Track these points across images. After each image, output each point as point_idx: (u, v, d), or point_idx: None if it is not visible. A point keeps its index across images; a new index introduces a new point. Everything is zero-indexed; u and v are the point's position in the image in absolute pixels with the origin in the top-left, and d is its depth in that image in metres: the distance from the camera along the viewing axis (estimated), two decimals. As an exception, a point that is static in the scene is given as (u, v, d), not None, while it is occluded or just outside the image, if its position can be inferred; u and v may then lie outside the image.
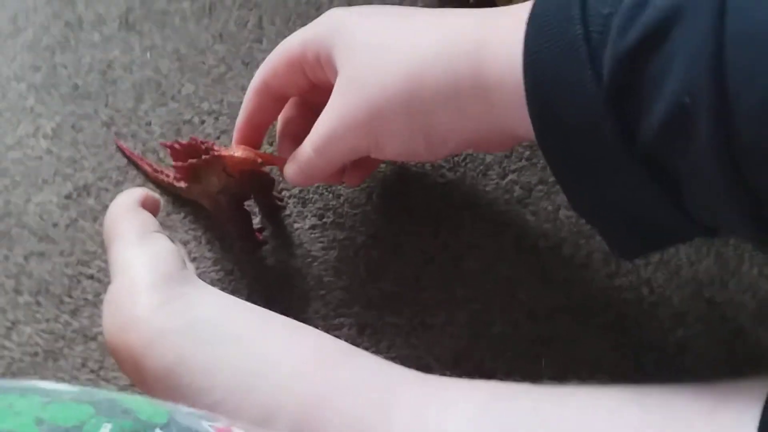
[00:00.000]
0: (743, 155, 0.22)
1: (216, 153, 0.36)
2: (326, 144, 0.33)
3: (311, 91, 0.36)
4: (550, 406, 0.28)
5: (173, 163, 0.39)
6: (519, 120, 0.28)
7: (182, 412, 0.21)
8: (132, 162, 0.44)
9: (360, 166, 0.37)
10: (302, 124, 0.37)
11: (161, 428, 0.19)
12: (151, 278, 0.31)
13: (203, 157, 0.36)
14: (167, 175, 0.41)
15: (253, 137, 0.37)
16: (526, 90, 0.27)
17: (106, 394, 0.22)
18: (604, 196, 0.27)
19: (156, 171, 0.42)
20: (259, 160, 0.35)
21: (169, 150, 0.39)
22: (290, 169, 0.35)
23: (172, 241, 0.35)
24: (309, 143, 0.34)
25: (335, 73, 0.33)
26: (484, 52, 0.29)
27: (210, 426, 0.21)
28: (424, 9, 0.33)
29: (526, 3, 0.28)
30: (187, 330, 0.30)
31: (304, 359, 0.31)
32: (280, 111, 0.38)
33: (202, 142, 0.36)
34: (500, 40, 0.28)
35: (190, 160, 0.37)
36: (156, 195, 0.37)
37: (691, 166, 0.24)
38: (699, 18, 0.22)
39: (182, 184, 0.40)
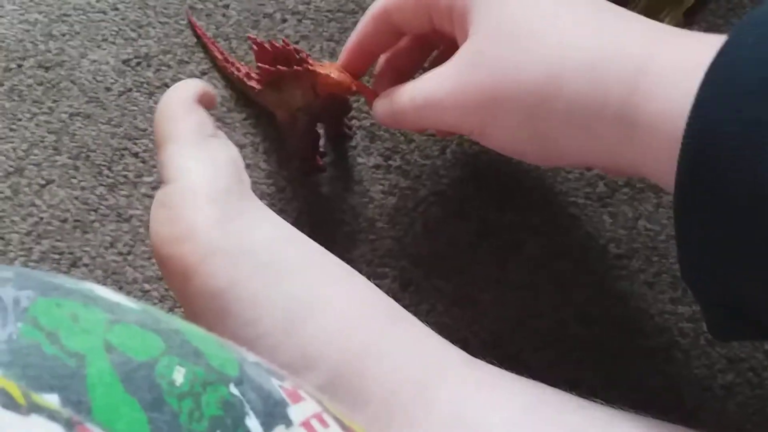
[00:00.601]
0: None
1: (310, 67, 0.33)
2: (428, 107, 0.30)
3: (433, 33, 0.32)
4: (596, 429, 0.27)
5: (257, 62, 0.36)
6: (659, 171, 0.24)
7: (250, 362, 0.20)
8: (201, 43, 0.41)
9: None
10: (410, 62, 0.34)
11: (235, 384, 0.18)
12: (210, 190, 0.29)
13: (295, 67, 0.33)
14: (238, 69, 0.39)
15: (359, 63, 0.34)
16: (681, 155, 0.23)
17: (170, 321, 0.20)
18: (733, 289, 0.24)
19: (227, 61, 0.39)
20: (354, 88, 0.32)
21: (255, 47, 0.35)
22: (381, 108, 0.32)
23: (229, 147, 0.32)
24: (410, 94, 0.30)
25: (465, 35, 0.29)
26: (643, 79, 0.24)
27: (280, 386, 0.19)
28: None
29: (702, 35, 0.24)
30: (243, 253, 0.28)
31: (354, 311, 0.29)
32: (396, 43, 0.34)
33: (298, 51, 0.33)
34: (667, 70, 0.24)
35: (278, 66, 0.34)
36: (213, 91, 0.33)
37: None
38: None
39: (255, 84, 0.37)
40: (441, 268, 0.36)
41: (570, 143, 0.27)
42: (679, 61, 0.24)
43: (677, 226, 0.24)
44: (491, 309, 0.36)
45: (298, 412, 0.18)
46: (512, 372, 0.29)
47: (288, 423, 0.18)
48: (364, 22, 0.33)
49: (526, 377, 0.29)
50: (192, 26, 0.41)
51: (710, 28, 0.40)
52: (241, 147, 0.39)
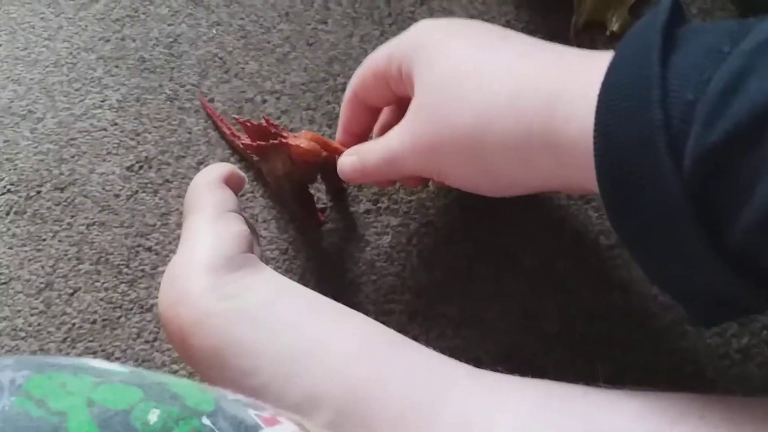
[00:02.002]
0: None
1: (284, 140, 0.36)
2: (394, 161, 0.33)
3: (398, 103, 0.35)
4: (603, 412, 0.27)
5: (243, 139, 0.39)
6: (591, 181, 0.26)
7: (229, 399, 0.21)
8: (212, 121, 0.44)
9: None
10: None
11: (208, 416, 0.20)
12: (210, 259, 0.32)
13: (271, 141, 0.36)
14: (245, 141, 0.42)
15: (354, 141, 0.38)
16: (597, 167, 0.25)
17: (155, 377, 0.22)
18: (684, 280, 0.25)
19: (234, 135, 0.43)
20: (324, 153, 0.36)
21: (241, 126, 0.39)
22: (350, 166, 0.35)
23: (246, 222, 0.35)
24: (379, 152, 0.34)
25: (414, 92, 0.32)
26: (558, 110, 0.27)
27: (256, 415, 0.21)
28: (513, 39, 0.31)
29: (607, 53, 0.26)
30: (237, 313, 0.30)
31: (353, 347, 0.30)
32: (376, 120, 0.38)
33: (273, 126, 0.37)
34: (575, 98, 0.26)
35: (258, 141, 0.37)
36: (241, 174, 0.37)
37: None
38: None
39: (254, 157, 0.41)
40: (443, 294, 0.38)
41: (513, 174, 0.30)
42: (588, 84, 0.26)
43: (620, 237, 0.26)
44: (498, 323, 0.36)
45: (270, 432, 0.20)
46: (530, 377, 0.30)
47: (258, 441, 0.19)
48: (343, 108, 0.37)
49: (542, 379, 0.30)
50: (203, 107, 0.45)
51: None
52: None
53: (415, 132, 0.32)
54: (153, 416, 0.19)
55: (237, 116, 0.42)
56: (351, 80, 0.36)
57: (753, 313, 0.27)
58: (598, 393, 0.28)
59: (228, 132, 0.43)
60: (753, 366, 0.33)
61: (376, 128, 0.38)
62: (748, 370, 0.33)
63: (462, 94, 0.30)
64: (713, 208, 0.22)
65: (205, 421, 0.19)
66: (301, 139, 0.36)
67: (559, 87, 0.27)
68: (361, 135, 0.38)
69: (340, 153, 0.37)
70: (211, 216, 0.34)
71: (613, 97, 0.24)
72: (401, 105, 0.35)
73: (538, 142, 0.28)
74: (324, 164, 0.40)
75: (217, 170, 0.36)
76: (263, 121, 0.38)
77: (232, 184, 0.36)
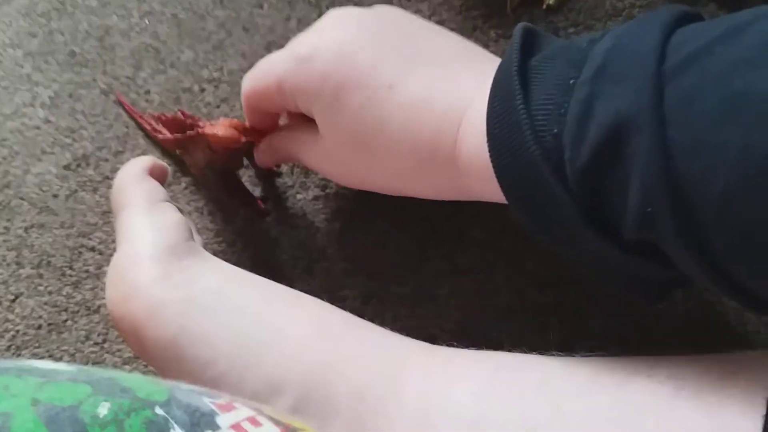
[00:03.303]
0: (713, 251, 0.23)
1: (200, 130, 0.35)
2: (304, 162, 0.35)
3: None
4: (557, 378, 0.27)
5: (161, 134, 0.38)
6: (495, 193, 0.28)
7: (183, 389, 0.21)
8: (133, 119, 0.43)
9: None
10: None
11: (161, 406, 0.19)
12: (154, 249, 0.31)
13: (188, 132, 0.36)
14: (165, 136, 0.41)
15: (262, 137, 0.38)
16: (501, 187, 0.27)
17: (104, 372, 0.21)
18: (604, 270, 0.28)
19: (155, 130, 0.41)
20: (243, 139, 0.35)
21: (156, 120, 0.38)
22: (263, 158, 0.37)
23: (181, 211, 0.34)
24: (287, 151, 0.36)
25: (318, 126, 0.33)
26: (459, 133, 0.29)
27: (211, 402, 0.20)
28: (422, 49, 0.31)
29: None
30: (188, 302, 0.30)
31: (309, 330, 0.30)
32: (278, 119, 0.38)
33: (187, 117, 0.36)
34: (471, 126, 0.28)
35: (175, 135, 0.36)
36: (163, 163, 0.36)
37: (671, 251, 0.24)
38: (643, 133, 0.22)
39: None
40: (396, 275, 0.37)
41: (427, 190, 0.33)
42: (481, 112, 0.28)
43: (534, 238, 0.28)
44: (451, 299, 0.37)
45: (227, 418, 0.19)
46: (485, 350, 0.30)
47: (215, 428, 0.19)
48: (244, 111, 0.37)
49: (497, 350, 0.30)
50: (122, 104, 0.44)
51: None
52: (187, 214, 0.41)
53: (326, 171, 0.35)
54: (103, 409, 0.18)
55: (152, 111, 0.42)
56: (242, 87, 0.36)
57: (682, 286, 0.29)
58: (552, 360, 0.28)
59: (149, 128, 0.42)
60: (698, 326, 0.34)
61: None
62: (694, 330, 0.34)
63: (370, 150, 0.31)
64: (605, 222, 0.25)
65: (158, 410, 0.19)
66: (219, 127, 0.36)
67: (458, 113, 0.29)
68: (268, 131, 0.38)
69: (263, 136, 0.36)
70: (144, 208, 0.33)
71: (496, 134, 0.27)
72: None
73: (442, 161, 0.30)
74: (248, 149, 0.39)
75: (140, 163, 0.35)
76: (178, 113, 0.37)
77: (156, 175, 0.35)
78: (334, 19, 0.33)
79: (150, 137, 0.43)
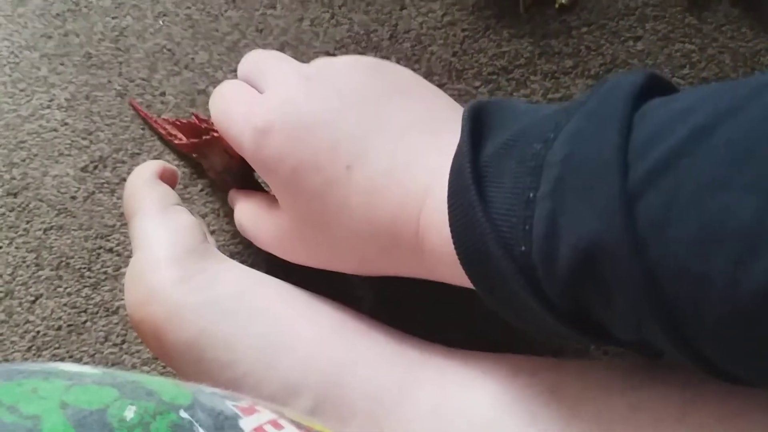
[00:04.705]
0: (709, 357, 0.22)
1: (215, 134, 0.35)
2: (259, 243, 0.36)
3: None
4: (572, 381, 0.28)
5: (176, 139, 0.38)
6: (454, 276, 0.27)
7: (205, 392, 0.21)
8: (147, 124, 0.44)
9: None
10: None
11: (185, 409, 0.19)
12: (171, 252, 0.31)
13: (203, 137, 0.36)
14: (181, 140, 0.41)
15: None
16: (472, 282, 0.26)
17: (128, 376, 0.22)
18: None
19: (170, 134, 0.42)
20: None
21: (172, 125, 0.38)
22: (241, 227, 0.37)
23: (192, 214, 0.35)
24: (246, 225, 0.36)
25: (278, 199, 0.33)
26: (424, 211, 0.28)
27: (234, 406, 0.21)
28: (391, 115, 0.30)
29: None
30: (208, 304, 0.30)
31: (326, 332, 0.31)
32: None
33: (202, 121, 0.36)
34: (435, 213, 0.27)
35: (190, 140, 0.37)
36: (173, 167, 0.37)
37: (664, 349, 0.23)
38: (621, 260, 0.21)
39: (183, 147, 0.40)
40: (411, 279, 0.38)
41: (391, 271, 0.31)
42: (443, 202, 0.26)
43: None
44: (465, 303, 0.36)
45: (250, 421, 0.20)
46: (500, 351, 0.30)
47: (238, 431, 0.19)
48: None
49: (512, 353, 0.30)
50: (136, 110, 0.44)
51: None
52: (203, 216, 0.41)
53: (285, 251, 0.34)
54: (129, 413, 0.19)
55: (167, 116, 0.42)
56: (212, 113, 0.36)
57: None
58: (566, 364, 0.29)
59: (164, 132, 0.42)
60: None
61: None
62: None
63: (331, 232, 0.30)
64: (591, 328, 0.24)
65: (183, 414, 0.19)
66: None
67: (418, 202, 0.28)
68: None
69: None
70: (157, 212, 0.33)
71: (461, 242, 0.25)
72: None
73: (406, 246, 0.29)
74: None
75: (150, 167, 0.36)
76: (193, 117, 0.38)
77: (167, 178, 0.36)
78: (298, 75, 0.31)
79: (164, 141, 0.43)
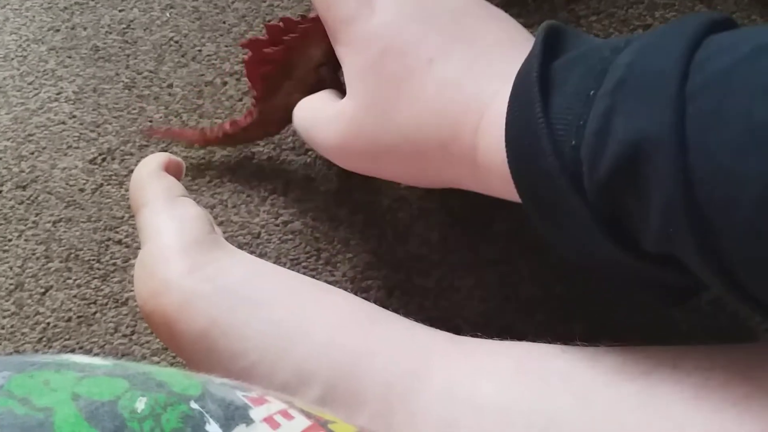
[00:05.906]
0: (735, 271, 0.22)
1: (303, 26, 0.34)
2: (321, 149, 0.35)
3: None
4: (581, 368, 0.28)
5: (267, 49, 0.36)
6: (504, 190, 0.28)
7: (215, 382, 0.21)
8: (172, 138, 0.43)
9: None
10: None
11: (195, 400, 0.19)
12: (180, 243, 0.32)
13: (299, 26, 0.35)
14: (218, 132, 0.40)
15: None
16: (518, 191, 0.27)
17: (139, 367, 0.22)
18: (619, 276, 0.28)
19: (206, 136, 0.41)
20: None
21: (267, 30, 0.36)
22: (298, 127, 0.36)
23: (198, 205, 0.35)
24: (303, 126, 0.35)
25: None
26: (479, 129, 0.29)
27: (244, 396, 0.21)
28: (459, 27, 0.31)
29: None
30: (218, 294, 0.30)
31: (336, 322, 0.31)
32: None
33: (287, 22, 0.35)
34: (491, 124, 0.28)
35: (289, 35, 0.35)
36: (179, 159, 0.37)
37: (691, 264, 0.24)
38: (664, 156, 0.22)
39: (245, 120, 0.39)
40: (419, 267, 0.38)
41: (442, 177, 0.32)
42: (501, 114, 0.27)
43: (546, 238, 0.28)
44: (475, 291, 0.37)
45: (260, 411, 0.20)
46: (510, 341, 0.30)
47: (249, 422, 0.19)
48: None
49: (522, 341, 0.30)
50: (159, 135, 0.43)
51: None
52: (211, 207, 0.41)
53: (351, 143, 0.32)
54: (140, 404, 0.19)
55: (175, 108, 0.40)
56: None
57: (700, 292, 0.28)
58: (576, 351, 0.29)
59: (200, 137, 0.41)
60: (724, 317, 0.34)
61: None
62: (720, 322, 0.34)
63: (394, 121, 0.30)
64: (625, 236, 0.25)
65: (194, 405, 0.19)
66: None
67: (484, 105, 0.29)
68: None
69: None
70: (164, 204, 0.33)
71: (514, 139, 0.26)
72: None
73: (461, 148, 0.29)
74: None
75: (155, 160, 0.36)
76: (279, 23, 0.36)
77: (172, 170, 0.36)
78: None
79: (194, 143, 0.42)
